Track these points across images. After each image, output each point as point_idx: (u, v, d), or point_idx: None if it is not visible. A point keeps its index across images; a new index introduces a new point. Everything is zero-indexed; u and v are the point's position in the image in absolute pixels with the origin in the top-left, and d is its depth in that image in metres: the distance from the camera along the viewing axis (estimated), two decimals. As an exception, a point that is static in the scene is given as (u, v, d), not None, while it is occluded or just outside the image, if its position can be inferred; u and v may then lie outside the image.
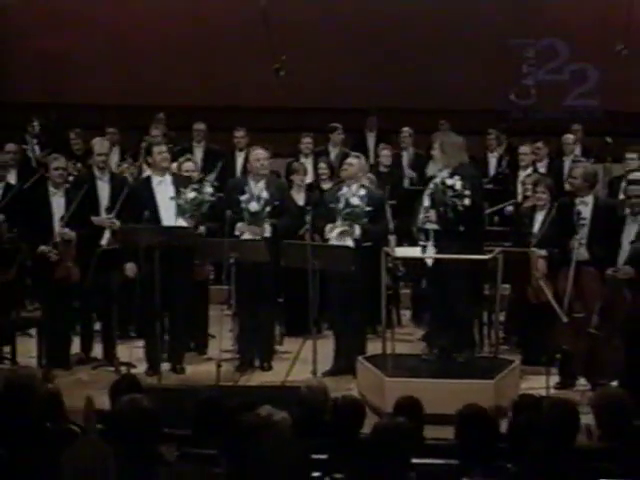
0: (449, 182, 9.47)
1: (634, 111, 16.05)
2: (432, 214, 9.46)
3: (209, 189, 10.47)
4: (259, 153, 10.63)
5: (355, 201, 10.20)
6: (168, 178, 10.57)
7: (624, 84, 16.99)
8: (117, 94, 17.71)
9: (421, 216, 9.58)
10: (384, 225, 10.69)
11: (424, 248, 9.58)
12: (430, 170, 10.04)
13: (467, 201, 9.67)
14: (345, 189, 10.37)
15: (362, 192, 10.27)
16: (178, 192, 10.37)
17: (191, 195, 10.29)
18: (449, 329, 9.76)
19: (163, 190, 10.45)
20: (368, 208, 10.18)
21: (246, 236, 10.34)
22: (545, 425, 6.00)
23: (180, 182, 10.59)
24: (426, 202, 9.57)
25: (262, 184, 10.44)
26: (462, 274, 9.65)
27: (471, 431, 5.80)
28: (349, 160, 10.68)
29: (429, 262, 9.63)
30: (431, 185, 9.56)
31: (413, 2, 17.41)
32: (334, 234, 10.23)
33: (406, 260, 10.69)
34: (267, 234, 10.34)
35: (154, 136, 13.80)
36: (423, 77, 17.30)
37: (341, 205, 10.22)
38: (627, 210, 9.63)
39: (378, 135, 15.34)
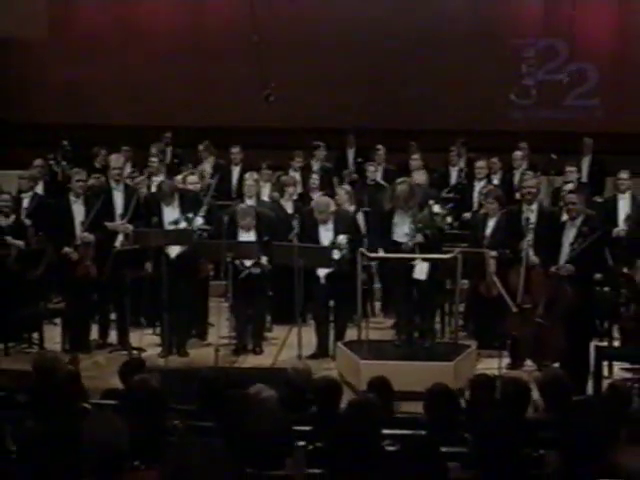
0: (435, 209, 9.58)
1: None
2: (418, 236, 9.55)
3: (199, 222, 10.44)
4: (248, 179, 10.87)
5: (336, 255, 10.12)
6: (176, 202, 10.58)
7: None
8: (130, 116, 17.69)
9: (405, 240, 9.64)
10: (358, 238, 10.68)
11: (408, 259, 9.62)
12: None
13: (449, 219, 9.79)
14: (324, 230, 10.36)
15: (344, 241, 10.16)
16: (183, 210, 10.44)
17: (182, 225, 10.31)
18: (415, 319, 9.82)
19: (172, 216, 10.48)
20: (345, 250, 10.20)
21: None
22: (501, 399, 6.03)
23: (185, 198, 10.65)
24: (407, 227, 9.65)
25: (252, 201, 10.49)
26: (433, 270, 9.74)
27: (438, 406, 5.81)
28: (319, 213, 10.44)
29: (422, 277, 9.59)
30: (410, 214, 9.65)
31: (392, 37, 17.38)
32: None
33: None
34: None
35: (151, 152, 13.83)
36: (396, 101, 17.29)
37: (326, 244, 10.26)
38: (565, 216, 9.66)
39: (357, 152, 15.32)
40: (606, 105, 17.31)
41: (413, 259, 9.58)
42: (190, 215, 10.36)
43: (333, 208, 10.53)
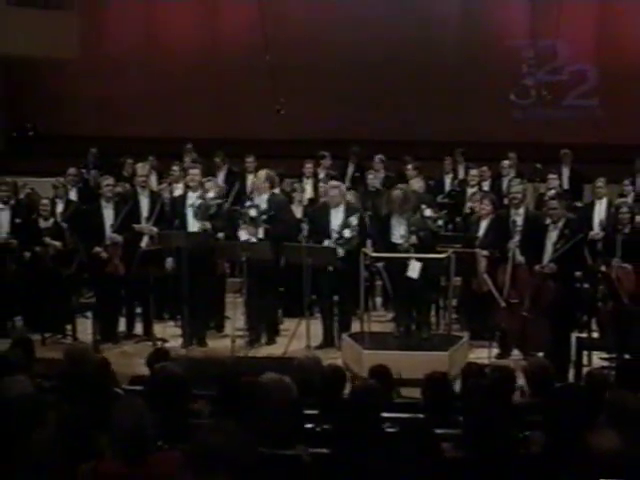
0: (426, 213, 9.58)
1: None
2: (412, 238, 9.51)
3: (211, 194, 10.55)
4: (260, 174, 10.68)
5: (347, 233, 10.15)
6: (198, 194, 10.59)
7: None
8: (154, 129, 17.75)
9: (401, 241, 9.59)
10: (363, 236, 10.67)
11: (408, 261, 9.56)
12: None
13: (440, 222, 9.78)
14: (335, 214, 10.35)
15: (354, 222, 10.20)
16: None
17: (198, 202, 10.35)
18: (412, 313, 9.81)
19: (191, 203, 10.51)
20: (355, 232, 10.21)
21: (244, 235, 10.33)
22: (488, 385, 6.04)
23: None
24: (403, 229, 9.60)
25: (265, 197, 10.45)
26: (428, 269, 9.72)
27: (434, 391, 5.81)
28: (332, 192, 10.52)
29: (415, 275, 9.52)
30: (405, 217, 9.63)
31: (390, 54, 17.41)
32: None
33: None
34: (260, 235, 10.32)
35: (185, 162, 13.80)
36: (395, 115, 17.32)
37: (336, 235, 10.20)
38: (548, 219, 9.67)
39: (357, 163, 15.29)
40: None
41: (409, 259, 9.57)
42: (203, 194, 10.46)
43: (344, 189, 10.66)
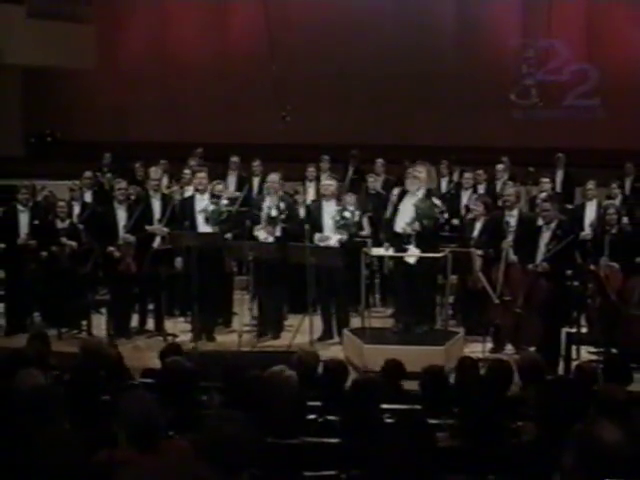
0: (435, 201, 9.52)
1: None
2: (416, 224, 9.45)
3: (224, 201, 10.53)
4: (273, 177, 10.66)
5: (348, 214, 10.16)
6: (206, 196, 10.61)
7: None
8: (165, 135, 17.77)
9: (404, 225, 9.49)
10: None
11: (405, 250, 9.49)
12: (408, 186, 9.75)
13: (446, 215, 9.74)
14: (327, 208, 10.33)
15: (351, 208, 10.24)
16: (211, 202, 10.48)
17: (211, 207, 10.34)
18: (411, 309, 9.78)
19: (202, 206, 10.49)
20: (357, 219, 10.20)
21: (262, 235, 10.31)
22: (486, 378, 6.03)
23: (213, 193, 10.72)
24: (408, 215, 9.50)
25: (276, 199, 10.43)
26: (428, 268, 9.67)
27: (431, 384, 5.81)
28: (327, 181, 10.62)
29: (412, 260, 9.48)
30: (414, 201, 9.51)
31: (389, 65, 17.40)
32: (332, 241, 10.18)
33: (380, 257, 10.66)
34: (278, 234, 10.30)
35: (191, 165, 13.78)
36: (394, 119, 17.32)
37: (337, 217, 10.18)
38: (541, 221, 9.66)
39: (356, 167, 15.27)
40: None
41: (408, 246, 9.50)
42: (216, 200, 10.45)
43: (337, 186, 10.61)
